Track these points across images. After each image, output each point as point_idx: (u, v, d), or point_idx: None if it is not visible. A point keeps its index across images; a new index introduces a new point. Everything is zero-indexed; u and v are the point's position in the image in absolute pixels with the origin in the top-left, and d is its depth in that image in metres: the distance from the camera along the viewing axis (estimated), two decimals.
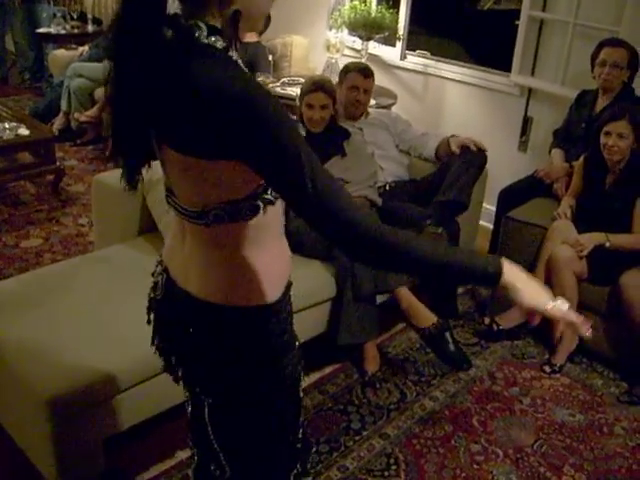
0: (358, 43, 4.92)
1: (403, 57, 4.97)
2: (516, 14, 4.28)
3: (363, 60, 4.61)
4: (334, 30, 4.99)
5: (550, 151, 3.88)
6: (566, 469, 2.60)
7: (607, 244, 3.04)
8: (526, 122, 4.36)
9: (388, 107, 4.52)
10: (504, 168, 4.11)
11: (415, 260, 1.22)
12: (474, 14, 7.92)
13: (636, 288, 2.92)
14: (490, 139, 3.83)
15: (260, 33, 4.56)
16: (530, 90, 4.30)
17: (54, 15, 6.80)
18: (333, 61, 4.93)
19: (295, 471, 1.57)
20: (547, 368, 3.16)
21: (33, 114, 5.55)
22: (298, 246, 2.72)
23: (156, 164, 1.34)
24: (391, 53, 5.02)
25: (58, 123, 5.61)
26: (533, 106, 4.31)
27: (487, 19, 7.77)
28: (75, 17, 6.89)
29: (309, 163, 1.13)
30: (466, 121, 4.62)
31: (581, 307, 3.11)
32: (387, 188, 3.53)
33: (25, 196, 4.64)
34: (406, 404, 2.90)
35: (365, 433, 2.72)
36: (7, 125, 4.42)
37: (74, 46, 6.33)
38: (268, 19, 3.27)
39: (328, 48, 5.00)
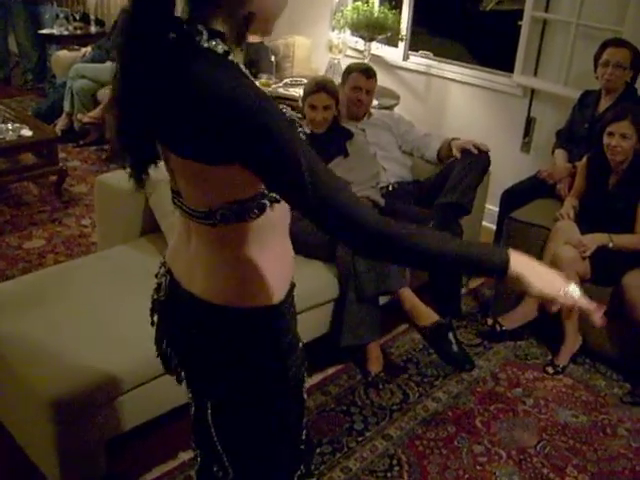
0: (361, 44, 4.92)
1: (406, 58, 4.97)
2: (519, 14, 4.28)
3: (366, 61, 4.61)
4: (337, 31, 4.99)
5: (553, 152, 3.88)
6: (569, 470, 2.59)
7: (610, 245, 3.04)
8: (529, 123, 4.36)
9: (391, 108, 4.52)
10: (507, 169, 4.11)
11: (420, 253, 1.21)
12: (476, 14, 7.92)
13: (639, 289, 2.91)
14: (493, 140, 3.82)
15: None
16: (533, 91, 4.29)
17: (57, 16, 6.82)
18: (335, 62, 4.93)
19: (299, 472, 1.57)
20: (550, 369, 3.15)
21: (36, 115, 5.55)
22: (301, 247, 2.71)
23: (161, 164, 1.34)
24: (394, 54, 5.02)
25: (61, 124, 5.62)
26: (536, 107, 4.31)
27: (489, 20, 7.76)
28: (78, 18, 6.91)
29: (308, 165, 1.13)
30: (469, 122, 4.62)
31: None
32: (390, 189, 3.53)
33: (28, 197, 4.65)
34: (409, 405, 2.89)
35: (368, 434, 2.71)
36: (10, 126, 4.42)
37: (77, 47, 6.34)
38: None
39: (331, 49, 5.00)
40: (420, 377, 3.07)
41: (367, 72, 3.61)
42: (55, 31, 6.66)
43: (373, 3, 5.01)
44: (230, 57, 1.18)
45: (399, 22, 4.80)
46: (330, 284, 3.00)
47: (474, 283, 3.89)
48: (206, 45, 1.16)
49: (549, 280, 1.26)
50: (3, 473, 2.46)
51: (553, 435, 2.77)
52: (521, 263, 1.24)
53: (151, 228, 3.05)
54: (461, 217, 3.36)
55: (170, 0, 1.14)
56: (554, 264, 3.10)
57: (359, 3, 4.90)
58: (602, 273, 3.08)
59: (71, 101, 5.58)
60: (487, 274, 1.33)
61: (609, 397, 3.01)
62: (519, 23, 4.23)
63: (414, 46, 5.03)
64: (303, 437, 1.56)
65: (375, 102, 4.13)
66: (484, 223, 4.02)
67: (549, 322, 3.22)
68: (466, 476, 2.54)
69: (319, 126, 3.21)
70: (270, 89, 4.70)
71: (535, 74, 4.26)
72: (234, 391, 1.39)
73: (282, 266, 1.40)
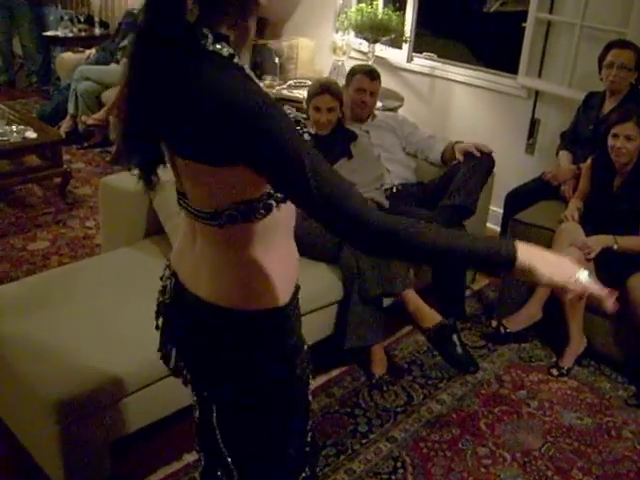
0: (365, 45, 4.92)
1: (410, 59, 4.96)
2: (523, 16, 4.28)
3: (370, 62, 4.60)
4: (340, 32, 4.99)
5: (557, 153, 3.87)
6: (574, 473, 2.59)
7: (615, 246, 3.03)
8: (533, 124, 4.35)
9: (395, 109, 4.52)
10: (511, 170, 4.10)
11: (427, 249, 1.21)
12: (480, 16, 7.92)
13: None
14: (497, 141, 3.82)
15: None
16: (537, 92, 4.29)
17: (61, 18, 6.84)
18: (339, 63, 4.93)
19: (303, 474, 1.57)
20: (555, 371, 3.15)
21: (40, 117, 5.56)
22: (305, 249, 2.72)
23: (166, 166, 1.34)
24: (398, 55, 5.01)
25: (65, 126, 5.62)
26: (540, 108, 4.30)
27: (493, 21, 7.76)
28: (82, 20, 6.92)
29: (312, 166, 1.13)
30: (473, 123, 4.61)
31: (589, 310, 3.10)
32: (394, 191, 3.53)
33: (32, 199, 4.65)
34: (413, 407, 2.89)
35: (372, 436, 2.71)
36: (14, 128, 4.43)
37: (81, 49, 6.36)
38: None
39: (334, 50, 5.00)
40: (424, 379, 3.07)
41: (371, 74, 3.61)
42: (59, 33, 6.68)
43: (377, 5, 5.01)
44: (235, 60, 1.19)
45: (403, 24, 4.80)
46: (334, 286, 3.00)
47: (478, 285, 3.88)
48: (211, 48, 1.16)
49: (558, 267, 1.25)
50: (8, 474, 2.46)
51: (558, 437, 2.76)
52: (528, 254, 1.23)
53: (155, 230, 3.05)
54: (465, 219, 3.36)
55: (182, 5, 1.15)
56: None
57: (363, 5, 4.90)
58: (607, 275, 3.06)
59: (75, 103, 5.59)
60: (495, 268, 1.33)
61: (614, 399, 3.01)
62: (523, 24, 4.23)
63: (418, 48, 5.03)
64: (308, 439, 1.56)
65: (379, 104, 4.13)
66: (488, 225, 4.01)
67: (554, 324, 3.22)
68: (470, 478, 2.53)
69: (323, 128, 3.22)
70: (274, 91, 4.70)
71: (539, 75, 4.26)
72: (240, 394, 1.39)
73: (287, 268, 1.40)
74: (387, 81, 4.59)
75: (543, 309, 3.21)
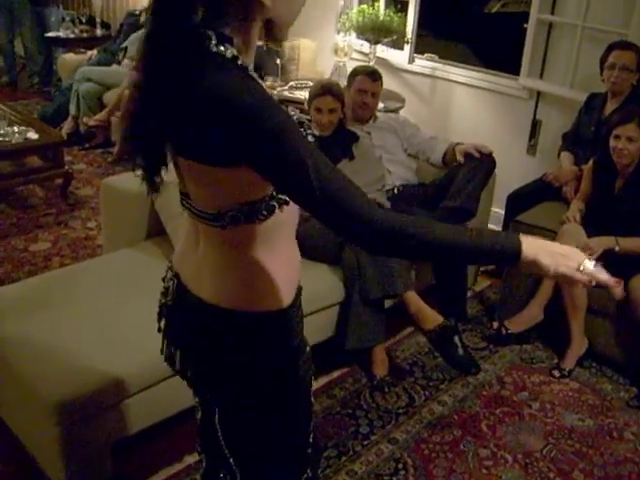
0: (366, 46, 4.92)
1: (411, 60, 4.96)
2: (524, 17, 4.28)
3: (371, 64, 4.60)
4: (342, 33, 4.99)
5: (559, 154, 3.87)
6: (575, 474, 2.58)
7: (617, 248, 3.02)
8: (535, 125, 4.35)
9: (396, 110, 4.52)
10: (513, 172, 4.10)
11: (432, 246, 1.20)
12: (482, 17, 7.93)
13: None
14: (498, 143, 3.82)
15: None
16: (539, 93, 4.29)
17: (63, 19, 6.85)
18: (341, 64, 4.93)
19: (305, 476, 1.57)
20: (556, 372, 3.15)
21: (42, 118, 5.57)
22: (306, 250, 2.72)
23: (168, 167, 1.34)
24: (399, 56, 5.01)
25: (67, 127, 5.63)
26: (542, 109, 4.30)
27: (495, 22, 7.77)
28: (84, 21, 6.94)
29: (315, 166, 1.13)
30: (474, 124, 4.61)
31: (590, 311, 3.10)
32: (395, 192, 3.53)
33: (34, 200, 4.66)
34: (414, 408, 2.89)
35: (373, 437, 2.71)
36: (16, 129, 4.43)
37: (83, 50, 6.37)
38: None
39: (336, 51, 5.00)
40: (426, 380, 3.07)
41: (373, 75, 3.61)
42: (61, 34, 6.69)
43: (379, 6, 5.02)
44: (239, 62, 1.19)
45: (404, 25, 4.80)
46: (335, 287, 3.00)
47: (479, 286, 3.88)
48: (215, 50, 1.16)
49: (563, 258, 1.24)
50: (9, 476, 2.46)
51: (559, 439, 2.76)
52: (533, 246, 1.22)
53: (157, 231, 3.05)
54: (466, 221, 3.36)
55: (191, 10, 1.15)
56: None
57: (364, 6, 4.90)
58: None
59: (77, 104, 5.60)
60: (500, 262, 1.32)
61: (615, 401, 3.00)
62: (525, 26, 4.23)
63: (419, 49, 5.03)
64: (310, 440, 1.56)
65: (380, 105, 4.13)
66: (490, 226, 4.01)
67: (555, 325, 3.22)
68: None
69: (325, 129, 3.22)
70: (275, 92, 4.71)
71: (541, 77, 4.26)
72: (242, 395, 1.39)
73: (290, 269, 1.40)
74: (388, 82, 4.59)
75: (544, 310, 3.21)
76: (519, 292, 3.33)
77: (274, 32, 1.26)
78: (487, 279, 3.96)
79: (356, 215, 1.16)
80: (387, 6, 5.07)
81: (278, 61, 5.16)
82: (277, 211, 1.27)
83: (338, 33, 5.08)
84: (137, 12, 6.20)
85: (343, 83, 3.79)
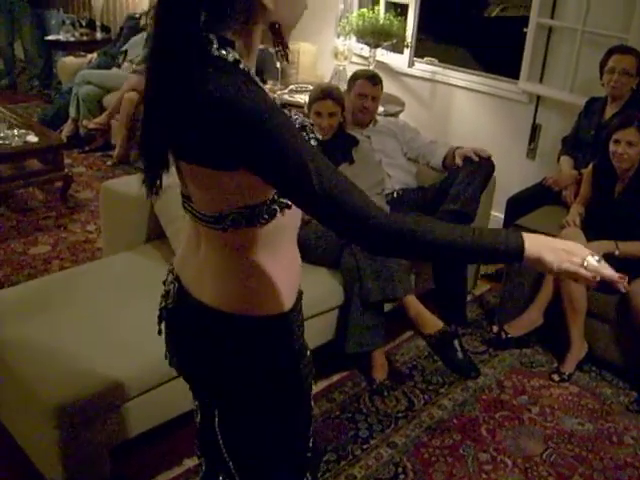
0: (366, 50, 4.93)
1: (411, 64, 4.98)
2: (523, 21, 4.28)
3: (371, 67, 4.61)
4: (342, 37, 5.00)
5: (559, 158, 3.88)
6: (575, 479, 2.58)
7: (616, 252, 3.02)
8: (534, 129, 4.35)
9: (396, 114, 4.52)
10: (512, 175, 4.10)
11: (435, 246, 1.20)
12: (481, 21, 7.93)
13: None
14: (498, 147, 3.82)
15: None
16: (538, 97, 4.29)
17: (63, 22, 6.86)
18: (341, 68, 4.94)
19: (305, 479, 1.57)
20: (556, 377, 3.14)
21: (42, 121, 5.57)
22: (306, 254, 2.72)
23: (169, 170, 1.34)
24: (399, 60, 5.03)
25: (66, 130, 5.63)
26: (542, 113, 4.31)
27: (495, 26, 7.77)
28: (84, 24, 6.95)
29: (317, 170, 1.13)
30: (474, 128, 4.62)
31: (590, 315, 3.10)
32: (395, 196, 3.53)
33: (33, 203, 4.66)
34: (414, 412, 2.88)
35: (373, 442, 2.71)
36: (16, 132, 4.43)
37: (83, 53, 6.37)
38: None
39: (336, 55, 5.01)
40: (425, 384, 3.07)
41: (373, 79, 3.61)
42: (61, 37, 6.70)
43: (378, 10, 5.02)
44: (241, 65, 1.19)
45: (404, 29, 4.81)
46: (335, 291, 3.00)
47: (479, 290, 3.88)
48: (217, 54, 1.16)
49: (567, 253, 1.24)
50: (8, 479, 2.46)
51: (559, 443, 2.76)
52: (536, 243, 1.22)
53: (156, 234, 3.05)
54: (465, 224, 3.35)
55: (197, 17, 1.15)
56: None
57: (364, 10, 4.91)
58: (608, 281, 3.06)
59: (77, 107, 5.60)
60: (504, 261, 1.31)
61: (615, 405, 3.00)
62: (524, 30, 4.23)
63: (419, 53, 5.04)
64: (310, 444, 1.56)
65: (380, 109, 4.13)
66: None
67: (555, 329, 3.22)
68: None
69: (325, 133, 3.22)
70: (275, 96, 4.71)
71: (541, 81, 4.26)
72: (242, 399, 1.39)
73: (291, 273, 1.40)
74: (388, 86, 4.60)
75: (544, 314, 3.21)
76: (519, 296, 3.33)
77: (278, 36, 1.25)
78: (487, 283, 3.96)
79: (359, 216, 1.16)
80: (387, 10, 5.08)
81: (278, 65, 5.16)
82: (279, 215, 1.27)
83: (338, 37, 5.09)
84: (137, 15, 6.20)
85: (343, 87, 3.79)
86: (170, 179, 1.33)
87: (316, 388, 2.93)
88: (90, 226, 4.35)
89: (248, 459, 1.47)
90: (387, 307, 3.05)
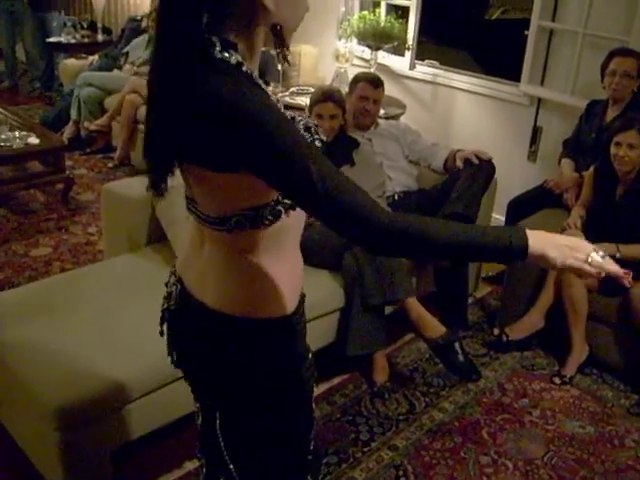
0: (367, 53, 4.93)
1: (412, 67, 4.98)
2: (524, 24, 4.29)
3: (372, 70, 4.61)
4: (343, 40, 5.01)
5: (560, 161, 3.87)
6: None
7: (617, 255, 3.02)
8: (535, 132, 4.36)
9: (397, 117, 4.52)
10: (513, 178, 4.10)
11: (438, 245, 1.20)
12: (482, 24, 7.94)
13: None
14: (499, 149, 3.82)
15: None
16: (540, 100, 4.29)
17: (65, 24, 6.87)
18: (342, 71, 4.94)
19: None
20: (557, 379, 3.14)
21: (43, 123, 5.57)
22: (307, 256, 2.72)
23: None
24: (400, 63, 5.03)
25: (68, 132, 5.63)
26: (543, 116, 4.31)
27: (496, 29, 7.78)
28: (85, 26, 6.96)
29: (319, 171, 1.13)
30: (475, 131, 4.62)
31: (591, 318, 3.09)
32: (396, 198, 3.53)
33: (35, 205, 4.66)
34: (415, 415, 2.88)
35: (374, 444, 2.70)
36: (17, 134, 4.43)
37: (84, 55, 6.39)
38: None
39: (337, 58, 5.01)
40: (426, 387, 3.06)
41: (374, 82, 3.61)
42: (63, 39, 6.71)
43: (380, 12, 5.03)
44: (244, 68, 1.19)
45: (405, 31, 4.82)
46: (336, 293, 3.00)
47: (480, 293, 3.88)
48: (219, 56, 1.16)
49: (571, 250, 1.24)
50: None
51: (560, 446, 2.75)
52: (540, 240, 1.22)
53: (157, 237, 3.05)
54: None
55: (199, 19, 1.15)
56: (561, 274, 3.10)
57: (366, 12, 4.91)
58: (609, 284, 3.04)
59: (78, 109, 5.60)
60: (507, 259, 1.31)
61: (616, 408, 3.00)
62: (525, 32, 4.23)
63: (420, 55, 5.04)
64: (311, 447, 1.56)
65: (381, 111, 4.13)
66: None
67: (556, 332, 3.22)
68: None
69: (326, 135, 3.20)
70: (276, 98, 4.71)
71: (542, 83, 4.27)
72: (244, 401, 1.39)
73: (294, 276, 1.40)
74: (389, 88, 4.59)
75: (545, 317, 3.20)
76: (520, 299, 3.33)
77: (279, 38, 1.25)
78: (488, 285, 3.96)
79: (362, 217, 1.15)
80: (388, 12, 5.08)
81: (279, 67, 5.17)
82: (283, 216, 1.27)
83: (339, 39, 5.10)
84: (138, 17, 6.21)
85: (344, 89, 3.80)
86: (171, 181, 1.33)
87: (317, 391, 2.92)
88: (91, 228, 4.35)
89: (249, 461, 1.47)
90: (388, 310, 3.05)
